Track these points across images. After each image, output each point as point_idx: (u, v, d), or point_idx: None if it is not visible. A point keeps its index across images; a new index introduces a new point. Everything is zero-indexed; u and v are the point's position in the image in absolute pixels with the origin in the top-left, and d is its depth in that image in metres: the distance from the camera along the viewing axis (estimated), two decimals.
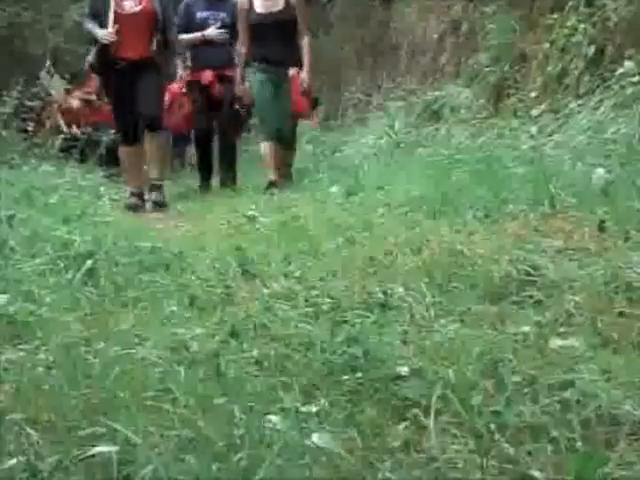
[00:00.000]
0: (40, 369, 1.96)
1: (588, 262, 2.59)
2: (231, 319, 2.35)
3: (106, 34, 5.91)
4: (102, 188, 6.03)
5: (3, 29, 10.83)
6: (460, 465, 1.50)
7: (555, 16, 5.78)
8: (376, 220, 3.67)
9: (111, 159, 7.32)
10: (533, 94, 5.73)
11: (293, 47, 6.43)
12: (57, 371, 1.95)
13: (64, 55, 10.54)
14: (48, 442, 1.59)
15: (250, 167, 7.48)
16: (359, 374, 1.89)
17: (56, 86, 9.61)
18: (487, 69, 6.61)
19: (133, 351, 2.06)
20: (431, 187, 4.11)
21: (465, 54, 7.33)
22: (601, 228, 2.94)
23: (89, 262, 2.98)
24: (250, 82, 6.45)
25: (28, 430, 1.62)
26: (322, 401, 1.74)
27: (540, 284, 2.47)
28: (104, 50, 5.95)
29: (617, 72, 4.82)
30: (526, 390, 1.75)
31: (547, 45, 5.81)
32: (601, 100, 4.82)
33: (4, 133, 8.22)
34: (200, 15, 6.97)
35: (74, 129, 9.15)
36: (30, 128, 9.05)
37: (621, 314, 2.19)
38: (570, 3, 5.65)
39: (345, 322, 2.23)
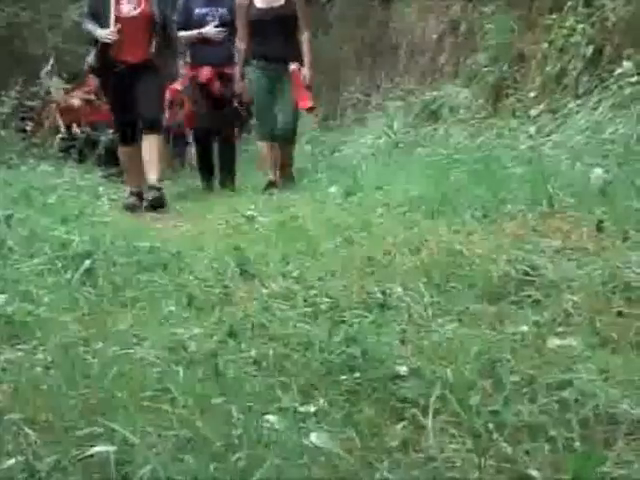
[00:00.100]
0: (38, 369, 1.97)
1: (586, 262, 2.60)
2: (229, 319, 2.35)
3: (108, 33, 5.88)
4: (101, 188, 6.02)
5: (2, 29, 10.81)
6: (458, 464, 1.50)
7: (554, 16, 5.77)
8: (375, 220, 3.67)
9: (110, 159, 7.29)
10: (532, 94, 5.73)
11: (294, 43, 6.34)
12: (55, 371, 1.95)
13: (64, 55, 10.52)
14: (46, 442, 1.59)
15: (250, 167, 7.46)
16: (357, 374, 1.90)
17: (56, 86, 9.61)
18: (486, 69, 6.60)
19: (131, 351, 2.06)
20: (430, 187, 4.11)
21: (464, 54, 7.32)
22: (599, 228, 2.95)
23: (87, 262, 2.98)
24: (249, 80, 6.44)
25: (26, 430, 1.62)
26: (320, 401, 1.74)
27: (538, 284, 2.47)
28: (104, 52, 5.94)
29: (615, 72, 4.81)
30: (524, 390, 1.75)
31: (546, 45, 5.81)
32: (599, 100, 4.82)
33: (2, 133, 8.20)
34: (199, 11, 6.81)
35: (74, 128, 9.14)
36: (29, 128, 9.03)
37: (619, 314, 2.19)
38: (569, 3, 5.65)
39: (343, 322, 2.23)
